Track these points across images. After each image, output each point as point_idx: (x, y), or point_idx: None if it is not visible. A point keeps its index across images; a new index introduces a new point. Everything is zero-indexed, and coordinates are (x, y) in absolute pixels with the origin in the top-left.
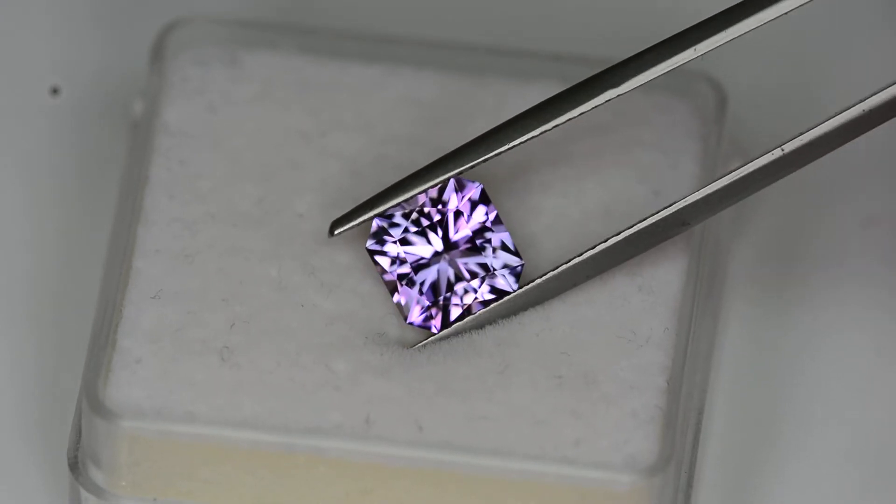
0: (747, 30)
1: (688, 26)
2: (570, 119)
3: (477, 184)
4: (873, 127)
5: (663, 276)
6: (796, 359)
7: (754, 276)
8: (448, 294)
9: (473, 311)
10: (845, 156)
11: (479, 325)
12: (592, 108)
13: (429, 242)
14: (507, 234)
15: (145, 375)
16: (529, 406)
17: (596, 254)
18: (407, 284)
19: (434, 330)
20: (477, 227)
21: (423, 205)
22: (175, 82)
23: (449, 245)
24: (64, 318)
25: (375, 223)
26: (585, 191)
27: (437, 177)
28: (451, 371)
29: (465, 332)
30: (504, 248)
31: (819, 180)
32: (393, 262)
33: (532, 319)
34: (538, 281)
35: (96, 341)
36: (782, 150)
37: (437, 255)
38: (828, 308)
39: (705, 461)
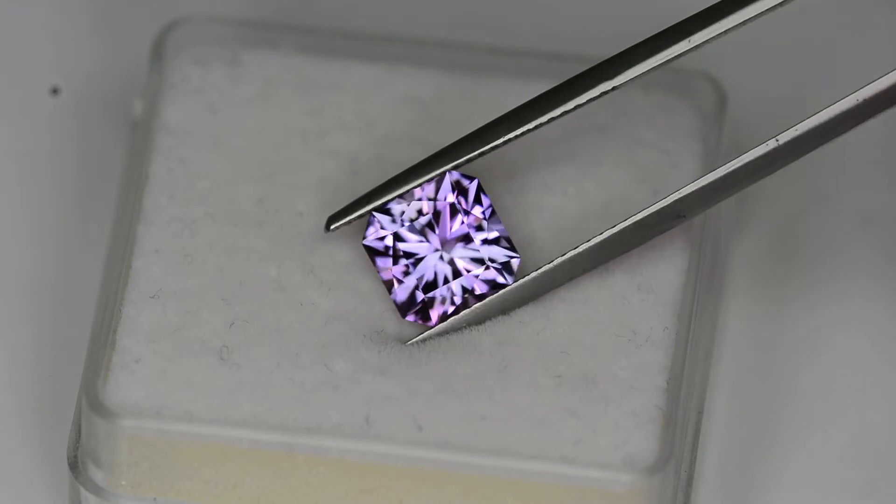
0: (741, 20)
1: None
2: (565, 112)
3: (473, 179)
4: (867, 118)
5: (663, 275)
6: (796, 358)
7: (754, 275)
8: (444, 290)
9: (470, 306)
10: (845, 153)
11: (477, 320)
12: (587, 100)
13: (425, 238)
14: (502, 228)
15: (145, 375)
16: (529, 406)
17: (592, 247)
18: (403, 281)
19: (431, 326)
20: (473, 222)
21: (420, 200)
22: (175, 82)
23: (445, 241)
24: (64, 318)
25: (372, 219)
26: (585, 190)
27: (434, 171)
28: (451, 370)
29: (463, 326)
30: (500, 242)
31: (818, 177)
32: (389, 259)
33: (532, 318)
34: (534, 274)
35: (96, 341)
36: (777, 140)
37: (433, 251)
38: (828, 306)
39: (705, 461)
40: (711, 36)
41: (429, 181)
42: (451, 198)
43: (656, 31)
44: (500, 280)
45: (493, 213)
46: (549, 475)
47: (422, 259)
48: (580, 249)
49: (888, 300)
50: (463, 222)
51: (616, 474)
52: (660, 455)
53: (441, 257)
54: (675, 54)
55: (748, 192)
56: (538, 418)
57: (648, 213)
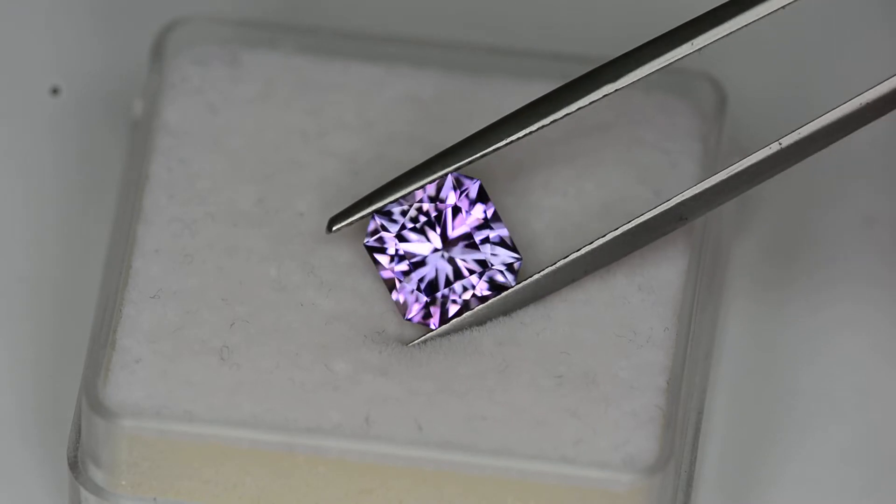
0: (744, 24)
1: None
2: (567, 114)
3: (475, 180)
4: (870, 121)
5: (663, 275)
6: (796, 358)
7: (755, 276)
8: (446, 291)
9: (472, 308)
10: (846, 154)
11: (478, 322)
12: (590, 103)
13: (427, 239)
14: (505, 230)
15: (145, 375)
16: (529, 406)
17: (594, 249)
18: (405, 281)
19: (432, 327)
20: (475, 223)
21: (422, 201)
22: (175, 82)
23: (447, 242)
24: (64, 318)
25: (374, 220)
26: (585, 190)
27: (436, 172)
28: (451, 370)
29: (464, 328)
30: (502, 244)
31: (820, 179)
32: (391, 259)
33: (532, 319)
34: (536, 276)
35: (96, 341)
36: (780, 143)
37: (435, 251)
38: (828, 307)
39: (705, 461)
40: (714, 39)
41: (431, 182)
42: (454, 198)
43: (656, 31)
44: (502, 281)
45: (495, 213)
46: (550, 475)
47: (424, 260)
48: (582, 252)
49: (888, 302)
50: (465, 223)
51: (616, 474)
52: (660, 455)
53: (443, 258)
54: (678, 57)
55: (749, 194)
56: (538, 418)
57: (651, 216)
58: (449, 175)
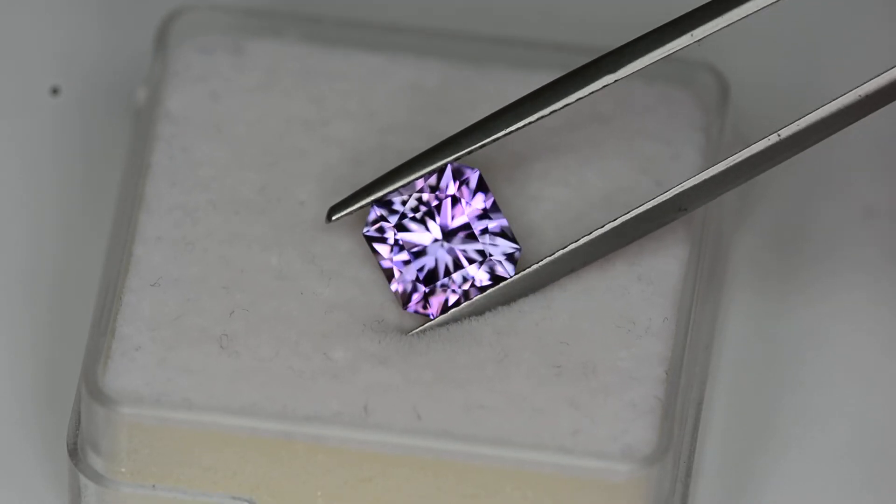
0: (744, 15)
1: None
2: (567, 105)
3: (475, 170)
4: (869, 113)
5: (663, 266)
6: (796, 350)
7: (755, 267)
8: (446, 280)
9: (471, 298)
10: (847, 146)
11: (477, 312)
12: (590, 93)
13: (427, 229)
14: (504, 220)
15: (145, 362)
16: (528, 395)
17: (594, 239)
18: (404, 271)
19: (431, 317)
20: (475, 213)
21: (421, 191)
22: (178, 70)
23: (447, 232)
24: (64, 305)
25: (373, 210)
26: (586, 180)
27: (435, 163)
28: (450, 360)
29: (464, 318)
30: (502, 234)
31: (820, 170)
32: (391, 249)
33: (532, 308)
34: (535, 266)
35: (96, 328)
36: (778, 135)
37: (434, 241)
38: (828, 299)
39: (704, 452)
40: (715, 30)
41: (431, 172)
42: (453, 188)
43: (658, 21)
44: (501, 271)
45: (494, 204)
46: (548, 465)
47: (423, 250)
48: (581, 242)
49: (888, 293)
50: (464, 213)
51: (614, 464)
52: (658, 445)
53: (442, 248)
54: (678, 48)
55: (749, 185)
56: (537, 408)
57: (650, 206)
58: (448, 165)
